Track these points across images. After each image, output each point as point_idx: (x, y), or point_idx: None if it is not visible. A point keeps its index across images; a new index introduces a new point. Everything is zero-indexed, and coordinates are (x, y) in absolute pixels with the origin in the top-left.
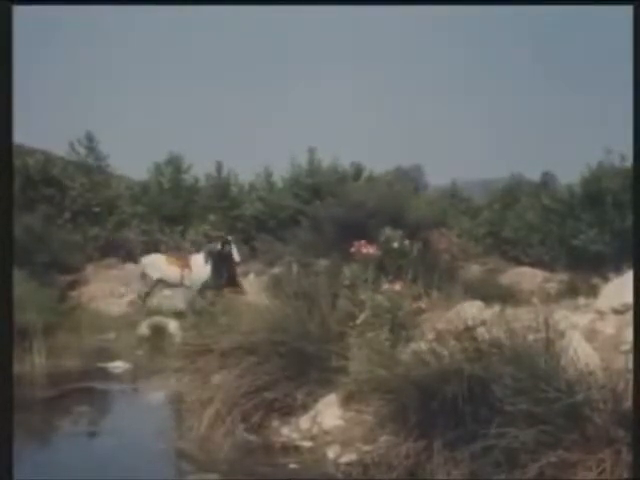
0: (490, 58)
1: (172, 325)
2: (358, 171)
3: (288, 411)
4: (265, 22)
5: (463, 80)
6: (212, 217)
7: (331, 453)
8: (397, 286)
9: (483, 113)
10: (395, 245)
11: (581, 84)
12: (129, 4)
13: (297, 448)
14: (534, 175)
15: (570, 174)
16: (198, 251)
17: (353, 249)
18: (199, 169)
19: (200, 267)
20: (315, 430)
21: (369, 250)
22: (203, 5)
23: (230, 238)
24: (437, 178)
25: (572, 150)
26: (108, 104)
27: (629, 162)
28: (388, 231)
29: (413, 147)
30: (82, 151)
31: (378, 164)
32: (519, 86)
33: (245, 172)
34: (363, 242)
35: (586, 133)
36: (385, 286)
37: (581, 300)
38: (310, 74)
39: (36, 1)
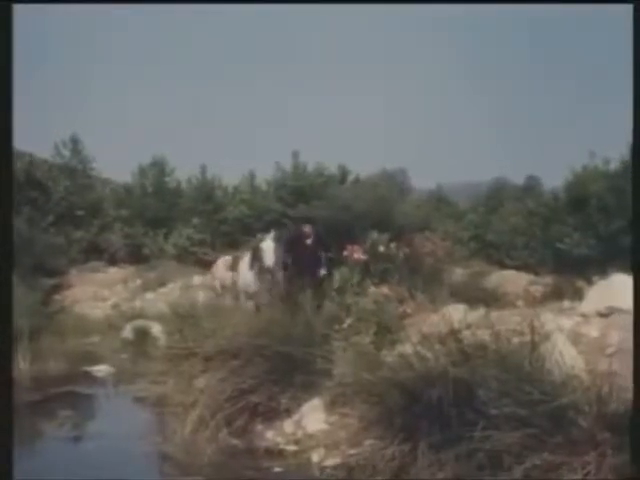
0: (476, 62)
1: (156, 329)
2: (344, 174)
3: (272, 415)
4: (249, 25)
5: (449, 83)
6: (196, 220)
7: (315, 457)
8: (385, 289)
9: (468, 116)
10: (381, 249)
11: (568, 87)
12: (122, 3)
13: (281, 452)
14: (518, 179)
15: (554, 178)
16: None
17: (346, 253)
18: (183, 172)
19: (244, 270)
20: (299, 434)
21: (360, 255)
22: (187, 4)
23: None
24: (422, 181)
25: (557, 153)
26: (93, 106)
27: (613, 165)
28: (374, 235)
29: (398, 150)
30: (67, 154)
31: (363, 167)
32: (506, 89)
33: (229, 175)
34: (356, 247)
35: (571, 136)
36: (372, 289)
37: (566, 303)
38: (294, 76)
39: (36, 1)
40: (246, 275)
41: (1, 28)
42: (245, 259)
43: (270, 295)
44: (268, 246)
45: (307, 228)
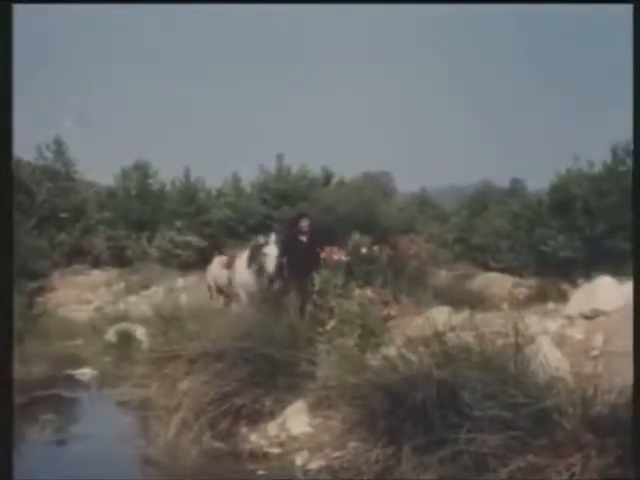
0: (463, 63)
1: (139, 331)
2: (328, 176)
3: (256, 418)
4: (233, 26)
5: (435, 85)
6: (179, 223)
7: (299, 459)
8: (368, 292)
9: (453, 119)
10: (363, 251)
11: (561, 89)
12: (119, 3)
13: (265, 455)
14: (503, 182)
15: (539, 180)
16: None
17: (324, 255)
18: (167, 174)
19: (242, 268)
20: (283, 436)
21: (340, 256)
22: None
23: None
24: (407, 184)
25: (541, 156)
26: (77, 107)
27: (597, 168)
28: (356, 237)
29: (382, 152)
30: (50, 156)
31: (347, 169)
32: (494, 91)
33: (213, 177)
34: (335, 248)
35: (556, 139)
36: (356, 292)
37: (550, 306)
38: (278, 78)
39: (36, 1)
40: (243, 273)
41: (1, 28)
42: (243, 257)
43: (265, 297)
44: (272, 251)
45: (304, 222)
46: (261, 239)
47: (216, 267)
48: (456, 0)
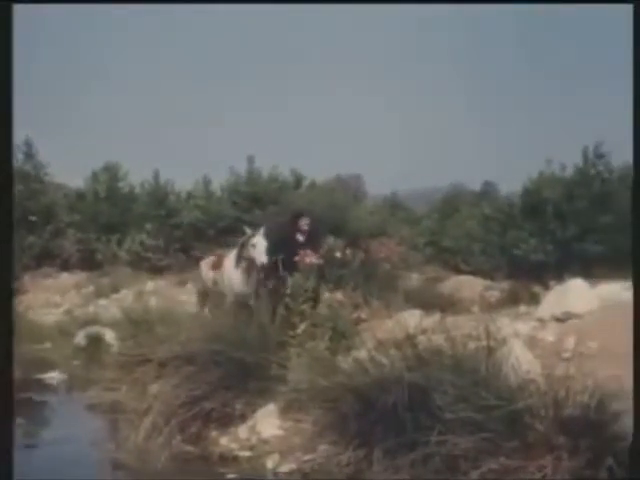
0: (429, 67)
1: (109, 335)
2: (298, 179)
3: (226, 421)
4: (204, 27)
5: (405, 87)
6: (149, 226)
7: (270, 463)
8: (339, 295)
9: (425, 122)
10: (337, 255)
11: (525, 91)
12: (118, 3)
13: (236, 458)
14: (475, 184)
15: (511, 183)
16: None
17: (297, 258)
18: (136, 177)
19: (230, 268)
20: (254, 440)
21: (312, 260)
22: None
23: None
24: (377, 187)
25: (513, 159)
26: (47, 109)
27: (569, 171)
28: (330, 240)
29: (353, 155)
30: (20, 157)
31: (319, 172)
32: (462, 95)
33: (183, 180)
34: (308, 251)
35: (529, 141)
36: (326, 295)
37: (522, 308)
38: (248, 79)
39: (36, 1)
40: (232, 273)
41: (1, 28)
42: (231, 257)
43: (259, 295)
44: (260, 242)
45: (303, 221)
46: (248, 231)
47: (204, 269)
48: (457, 0)
